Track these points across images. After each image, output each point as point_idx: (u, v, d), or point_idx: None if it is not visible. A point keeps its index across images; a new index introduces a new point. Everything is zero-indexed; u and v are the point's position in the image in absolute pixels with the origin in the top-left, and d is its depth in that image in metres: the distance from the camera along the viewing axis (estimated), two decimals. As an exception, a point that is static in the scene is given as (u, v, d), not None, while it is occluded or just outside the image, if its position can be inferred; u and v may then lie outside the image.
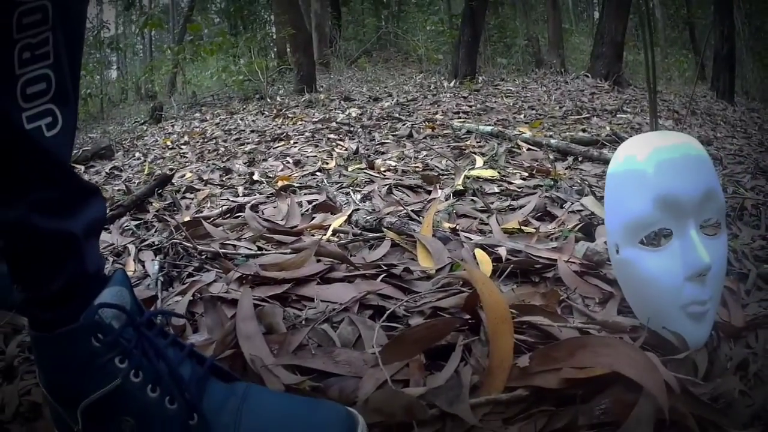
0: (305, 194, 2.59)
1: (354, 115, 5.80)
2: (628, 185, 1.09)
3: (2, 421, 1.00)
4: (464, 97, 6.83)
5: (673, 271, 1.05)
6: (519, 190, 2.46)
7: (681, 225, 1.04)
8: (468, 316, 1.17)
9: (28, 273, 0.82)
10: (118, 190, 3.23)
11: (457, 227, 1.88)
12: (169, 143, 5.69)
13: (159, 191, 2.80)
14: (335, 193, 2.53)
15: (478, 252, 1.57)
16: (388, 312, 1.26)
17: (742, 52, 13.66)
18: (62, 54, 0.76)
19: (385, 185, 2.60)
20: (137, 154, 5.21)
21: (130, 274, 1.73)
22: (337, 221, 2.01)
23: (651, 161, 1.06)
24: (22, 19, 0.71)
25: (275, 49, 14.04)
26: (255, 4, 18.66)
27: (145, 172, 4.00)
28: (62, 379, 0.84)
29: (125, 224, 2.31)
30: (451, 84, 8.45)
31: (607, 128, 4.43)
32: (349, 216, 2.06)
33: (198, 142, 5.46)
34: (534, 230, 1.84)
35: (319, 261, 1.56)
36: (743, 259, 1.54)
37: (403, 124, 4.91)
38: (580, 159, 3.19)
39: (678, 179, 1.04)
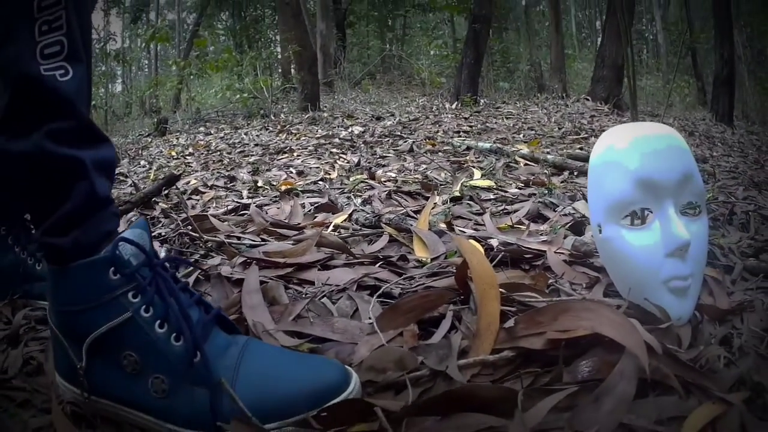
0: (308, 197, 2.66)
1: (357, 132, 5.87)
2: (610, 168, 1.15)
3: (5, 379, 1.06)
4: (465, 118, 6.92)
5: (654, 248, 1.11)
6: (514, 197, 2.53)
7: (660, 205, 1.11)
8: (459, 291, 1.24)
9: (43, 199, 0.90)
10: (124, 193, 3.28)
11: (453, 224, 1.94)
12: (174, 154, 5.75)
13: (166, 191, 2.85)
14: (337, 196, 2.59)
15: (472, 242, 1.63)
16: (383, 288, 1.32)
17: (743, 77, 13.73)
18: (73, 23, 0.89)
19: (385, 191, 2.66)
20: (142, 162, 5.27)
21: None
22: (338, 218, 2.08)
23: (631, 146, 1.13)
24: (41, 2, 0.86)
25: (279, 70, 14.12)
26: (261, 24, 18.78)
27: (151, 178, 4.06)
28: (74, 311, 0.91)
29: (132, 218, 2.37)
30: (453, 105, 8.54)
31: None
32: (350, 215, 2.12)
33: (202, 153, 5.52)
34: (525, 227, 1.91)
35: (319, 251, 1.63)
36: (730, 254, 1.59)
37: (405, 141, 4.99)
38: (575, 173, 3.25)
39: (656, 163, 1.10)
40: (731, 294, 1.31)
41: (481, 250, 1.53)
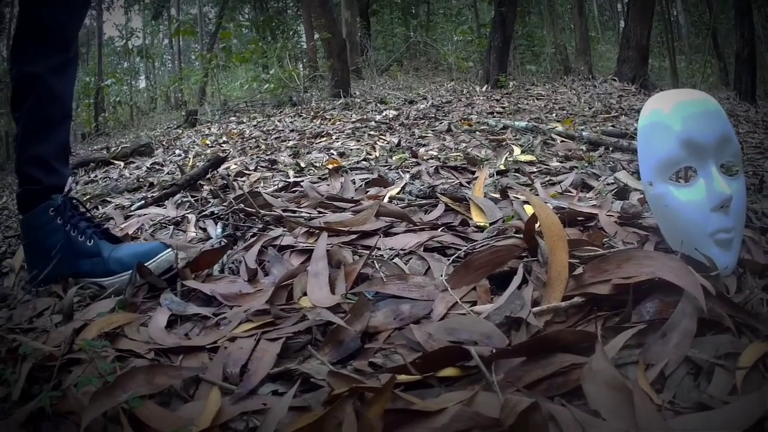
0: (356, 174, 2.74)
1: (391, 115, 5.93)
2: (657, 130, 1.25)
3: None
4: (497, 100, 6.98)
5: (700, 203, 1.19)
6: (556, 169, 2.60)
7: (703, 164, 1.20)
8: (525, 247, 1.32)
9: None
10: (163, 180, 3.33)
11: (507, 190, 2.02)
12: (207, 143, 5.79)
13: (212, 173, 2.93)
14: (386, 171, 2.67)
15: (528, 207, 1.71)
16: (455, 255, 1.40)
17: (764, 56, 13.64)
18: None
19: (432, 167, 2.74)
20: (177, 152, 5.33)
21: (191, 235, 1.94)
22: (392, 191, 2.16)
23: (675, 111, 1.22)
24: None
25: (304, 60, 14.14)
26: (284, 15, 18.81)
27: (189, 165, 4.09)
28: (37, 236, 1.62)
29: (179, 200, 2.48)
30: (483, 89, 8.57)
31: (636, 124, 4.54)
32: (403, 187, 2.20)
33: (237, 141, 5.58)
34: (574, 194, 1.99)
35: (378, 220, 1.71)
36: (764, 218, 1.66)
37: (440, 122, 5.05)
38: (610, 149, 3.32)
39: (698, 125, 1.19)
40: (767, 252, 1.38)
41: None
